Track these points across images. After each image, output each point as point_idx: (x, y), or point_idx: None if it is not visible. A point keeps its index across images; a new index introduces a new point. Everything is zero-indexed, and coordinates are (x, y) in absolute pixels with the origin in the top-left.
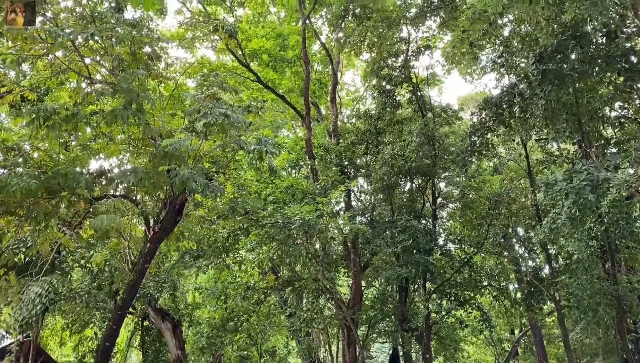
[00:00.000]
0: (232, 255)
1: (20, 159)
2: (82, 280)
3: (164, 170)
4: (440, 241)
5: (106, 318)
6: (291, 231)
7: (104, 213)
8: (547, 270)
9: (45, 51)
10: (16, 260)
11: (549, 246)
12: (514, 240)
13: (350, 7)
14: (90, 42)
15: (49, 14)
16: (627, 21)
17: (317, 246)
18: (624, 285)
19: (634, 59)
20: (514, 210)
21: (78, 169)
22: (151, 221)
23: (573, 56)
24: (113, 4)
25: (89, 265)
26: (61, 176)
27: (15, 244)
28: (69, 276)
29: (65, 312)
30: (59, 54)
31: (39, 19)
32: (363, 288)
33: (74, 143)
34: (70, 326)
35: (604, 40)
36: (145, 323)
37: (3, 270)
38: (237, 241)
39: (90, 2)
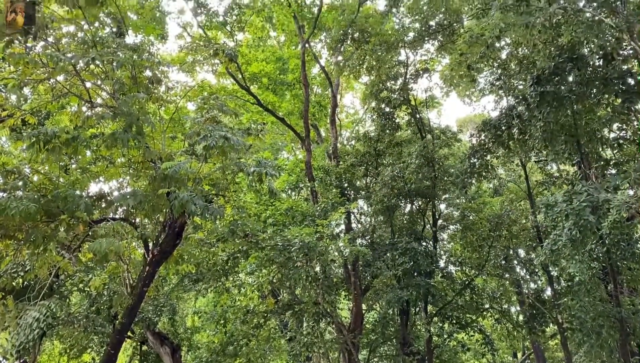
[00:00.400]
0: (231, 278)
1: (20, 183)
2: (80, 304)
3: (163, 193)
4: (441, 264)
5: (104, 343)
6: (291, 254)
7: (103, 236)
8: (549, 292)
9: (46, 75)
10: (14, 284)
11: (550, 268)
12: (515, 262)
13: (349, 31)
14: (92, 66)
15: (50, 39)
16: (624, 44)
17: (317, 268)
18: (627, 307)
19: (631, 81)
20: (515, 232)
21: (78, 192)
22: (150, 244)
23: (570, 78)
24: (114, 29)
25: (88, 289)
26: (60, 199)
27: (13, 268)
28: (68, 300)
29: (63, 337)
30: (60, 78)
31: (40, 44)
32: (364, 311)
33: (73, 166)
34: (68, 351)
35: (600, 62)
36: (144, 347)
37: (1, 294)
38: (237, 264)
39: (91, 27)
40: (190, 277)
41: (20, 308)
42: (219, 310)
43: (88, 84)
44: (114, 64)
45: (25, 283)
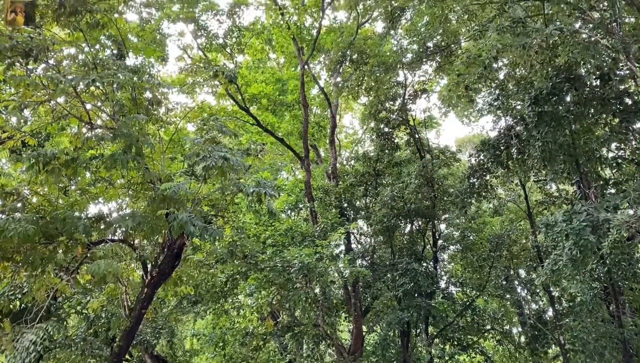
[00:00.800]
0: (230, 300)
1: (19, 204)
2: (78, 326)
3: (162, 214)
4: (442, 284)
5: None
6: (290, 275)
7: (102, 258)
8: (550, 312)
9: (47, 97)
10: (11, 306)
11: (551, 288)
12: (516, 282)
13: (348, 52)
14: (92, 88)
15: (51, 61)
16: (620, 64)
17: (317, 290)
18: (630, 327)
19: (628, 100)
20: (515, 252)
21: (76, 213)
22: (149, 265)
23: (568, 98)
24: (115, 51)
25: (86, 311)
26: (59, 221)
27: (11, 290)
28: (65, 322)
29: (60, 360)
30: (61, 100)
31: (41, 66)
32: (364, 333)
33: (73, 187)
34: None
35: (598, 82)
36: None
37: None
38: (236, 286)
39: (92, 50)
40: (189, 299)
41: (18, 330)
42: (218, 332)
43: (88, 106)
44: (114, 85)
45: (23, 305)
